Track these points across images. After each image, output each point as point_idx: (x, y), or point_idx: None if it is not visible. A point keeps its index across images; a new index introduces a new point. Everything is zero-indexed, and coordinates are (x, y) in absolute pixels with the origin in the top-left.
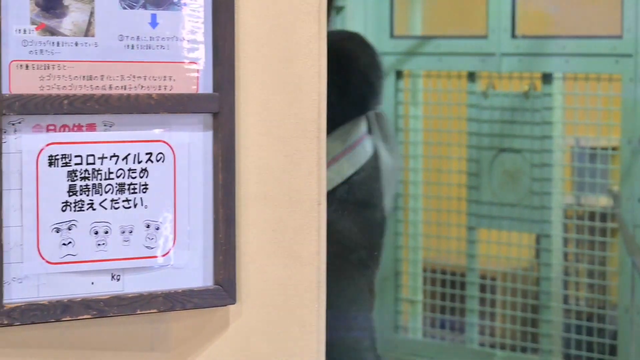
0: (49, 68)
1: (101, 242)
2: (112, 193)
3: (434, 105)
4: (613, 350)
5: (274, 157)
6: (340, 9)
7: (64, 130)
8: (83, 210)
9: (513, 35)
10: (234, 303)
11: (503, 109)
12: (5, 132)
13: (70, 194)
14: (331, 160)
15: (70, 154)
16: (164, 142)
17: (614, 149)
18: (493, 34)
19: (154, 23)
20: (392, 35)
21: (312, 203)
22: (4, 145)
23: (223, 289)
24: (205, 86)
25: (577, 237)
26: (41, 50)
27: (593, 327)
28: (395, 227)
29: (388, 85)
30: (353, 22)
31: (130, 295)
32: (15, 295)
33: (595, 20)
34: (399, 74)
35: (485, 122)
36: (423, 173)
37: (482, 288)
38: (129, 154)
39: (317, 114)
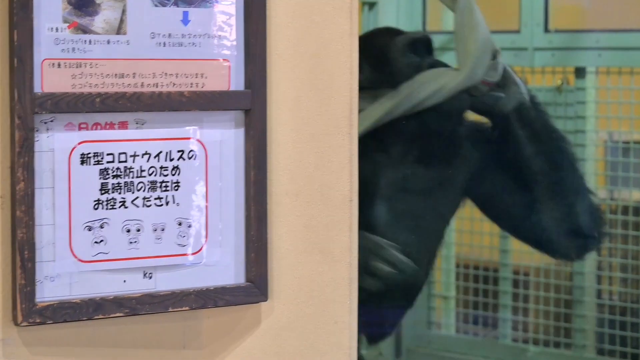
0: (81, 66)
1: (133, 240)
2: (144, 191)
3: None
4: (636, 344)
5: (306, 154)
6: (372, 5)
7: (96, 129)
8: (115, 209)
9: (546, 30)
10: (265, 300)
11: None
12: (37, 130)
13: (102, 192)
14: None
15: (102, 152)
16: (196, 139)
17: None
18: (526, 29)
19: (185, 20)
20: (424, 31)
21: (344, 199)
22: (36, 144)
23: (255, 286)
24: (237, 83)
25: (610, 231)
26: (73, 49)
27: (626, 321)
28: None
29: None
30: (385, 17)
31: (162, 293)
32: (48, 293)
33: (629, 13)
34: None
35: None
36: None
37: (515, 283)
38: (160, 152)
39: (348, 110)
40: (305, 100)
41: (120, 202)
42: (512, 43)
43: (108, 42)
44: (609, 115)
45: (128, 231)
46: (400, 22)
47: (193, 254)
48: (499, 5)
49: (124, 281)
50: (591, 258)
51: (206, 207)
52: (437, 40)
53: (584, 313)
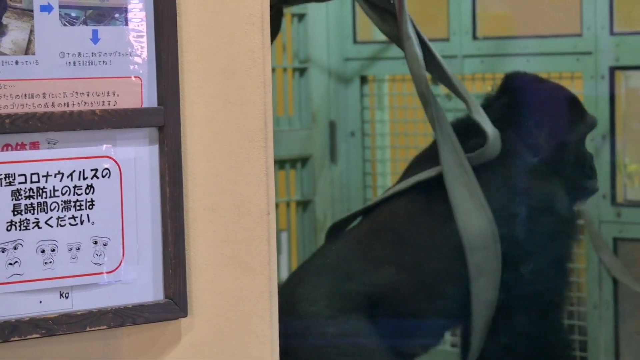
0: None
1: (48, 260)
2: (57, 211)
3: (399, 109)
4: (583, 347)
5: (222, 169)
6: (302, 16)
7: (6, 150)
8: (29, 229)
9: (474, 37)
10: (185, 316)
11: (467, 111)
12: None
13: (15, 213)
14: None
15: (14, 173)
16: (110, 157)
17: None
18: (454, 37)
19: (95, 39)
20: (355, 41)
21: (262, 213)
22: None
23: (174, 302)
24: (149, 100)
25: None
26: None
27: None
28: None
29: (353, 91)
30: (315, 29)
31: (79, 313)
32: None
33: (555, 19)
34: (363, 80)
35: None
36: (391, 177)
37: None
38: (74, 171)
39: (263, 123)
40: (219, 115)
41: (34, 222)
42: (442, 51)
43: (16, 62)
44: None
45: (43, 251)
46: (330, 33)
47: (110, 272)
48: (427, 14)
49: (40, 302)
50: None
51: (122, 224)
52: (367, 50)
53: None
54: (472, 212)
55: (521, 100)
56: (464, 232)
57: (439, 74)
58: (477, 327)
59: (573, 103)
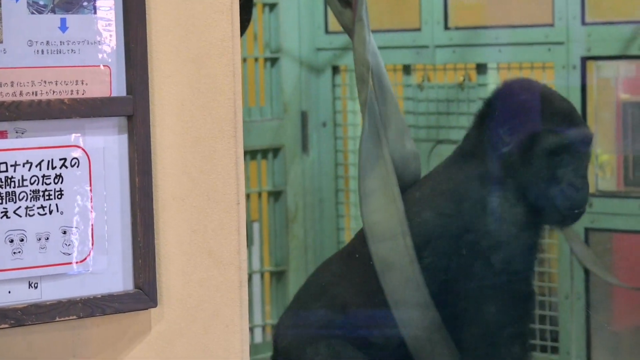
0: None
1: (17, 250)
2: (26, 200)
3: None
4: (554, 337)
5: (191, 158)
6: (273, 6)
7: None
8: None
9: (446, 27)
10: (155, 306)
11: (439, 101)
12: None
13: None
14: None
15: None
16: (79, 146)
17: None
18: (426, 27)
19: (63, 27)
20: (327, 31)
21: (232, 203)
22: None
23: (144, 292)
24: (118, 89)
25: None
26: None
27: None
28: (337, 222)
29: (325, 82)
30: (286, 18)
31: (48, 303)
32: None
33: (527, 9)
34: (335, 70)
35: (422, 115)
36: None
37: None
38: (42, 160)
39: (233, 113)
40: (188, 105)
41: (2, 212)
42: (414, 41)
43: None
44: None
45: (11, 241)
46: (302, 23)
47: (79, 262)
48: (399, 3)
49: (9, 292)
50: None
51: (91, 214)
52: (339, 40)
53: None
54: (380, 203)
55: (505, 106)
56: (366, 221)
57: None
58: (411, 332)
59: (567, 114)
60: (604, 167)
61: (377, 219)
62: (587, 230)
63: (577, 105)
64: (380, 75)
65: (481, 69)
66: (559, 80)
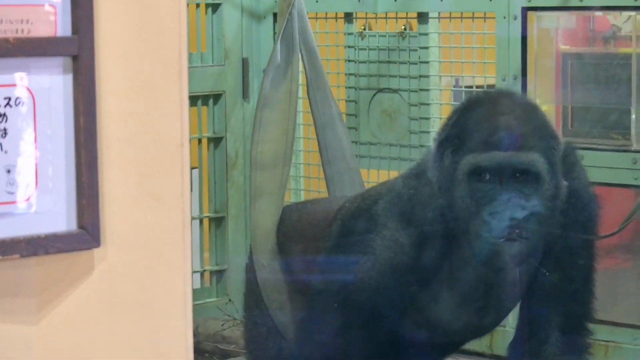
0: None
1: None
2: None
3: None
4: None
5: (136, 100)
6: None
7: None
8: None
9: None
10: (98, 246)
11: (380, 50)
12: None
13: None
14: None
15: None
16: (23, 86)
17: (490, 86)
18: None
19: None
20: None
21: (176, 145)
22: None
23: (87, 232)
24: (63, 29)
25: None
26: None
27: None
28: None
29: (266, 29)
30: None
31: None
32: None
33: None
34: (276, 17)
35: (363, 63)
36: (302, 115)
37: None
38: None
39: (178, 54)
40: (134, 45)
41: None
42: None
43: None
44: (452, 60)
45: None
46: None
47: (23, 201)
48: None
49: None
50: None
51: (35, 154)
52: None
53: None
54: (273, 134)
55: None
56: (254, 149)
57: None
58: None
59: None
60: None
61: (264, 149)
62: None
63: (518, 56)
64: (306, 37)
65: (422, 18)
66: (500, 30)
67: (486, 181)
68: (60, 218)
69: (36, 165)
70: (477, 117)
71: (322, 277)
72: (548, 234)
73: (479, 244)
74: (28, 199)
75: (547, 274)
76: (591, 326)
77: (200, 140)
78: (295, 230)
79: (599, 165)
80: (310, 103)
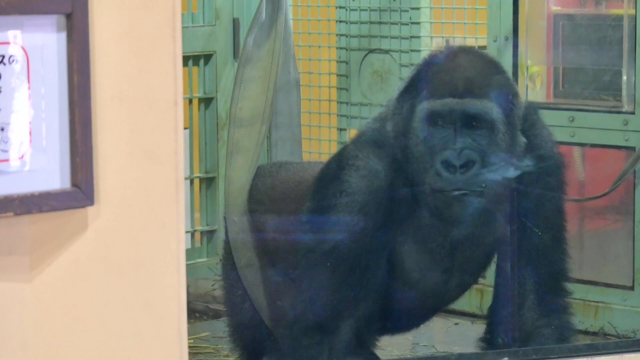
0: None
1: None
2: None
3: (303, 7)
4: None
5: (129, 58)
6: None
7: None
8: None
9: None
10: (92, 205)
11: (371, 10)
12: None
13: None
14: None
15: None
16: (17, 44)
17: (481, 47)
18: None
19: None
20: None
21: (169, 103)
22: None
23: (81, 190)
24: None
25: None
26: None
27: None
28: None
29: None
30: None
31: None
32: None
33: None
34: None
35: (354, 24)
36: None
37: None
38: None
39: (172, 13)
40: (127, 4)
41: None
42: None
43: None
44: (443, 21)
45: None
46: None
47: (17, 159)
48: None
49: None
50: None
51: (29, 112)
52: None
53: None
54: (254, 92)
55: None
56: (234, 105)
57: None
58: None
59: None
60: (534, 79)
61: (244, 106)
62: None
63: (509, 16)
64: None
65: None
66: None
67: (440, 127)
68: (53, 176)
69: (30, 123)
70: (437, 69)
71: (305, 235)
72: (510, 191)
73: (432, 197)
74: (22, 157)
75: (517, 233)
76: (568, 286)
77: (191, 101)
78: (268, 197)
79: (589, 127)
80: None
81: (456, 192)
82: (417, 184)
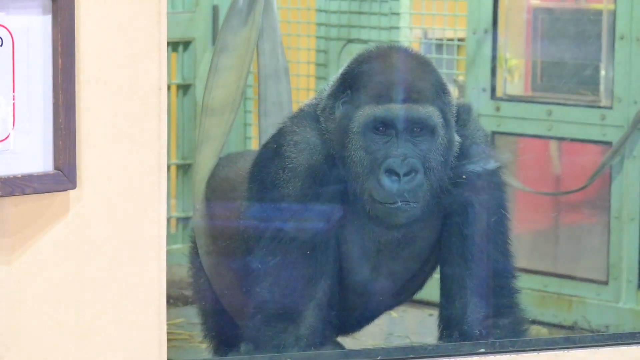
0: None
1: None
2: None
3: None
4: None
5: (114, 42)
6: None
7: None
8: None
9: None
10: (74, 188)
11: (351, 0)
12: None
13: None
14: None
15: None
16: (2, 26)
17: (460, 40)
18: None
19: None
20: None
21: (153, 88)
22: None
23: (63, 173)
24: None
25: None
26: None
27: None
28: (245, 118)
29: None
30: None
31: None
32: None
33: None
34: None
35: (334, 13)
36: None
37: None
38: None
39: None
40: None
41: None
42: None
43: None
44: (422, 12)
45: None
46: None
47: (0, 141)
48: None
49: None
50: None
51: (13, 94)
52: None
53: None
54: (227, 80)
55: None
56: (207, 94)
57: None
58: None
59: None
60: (512, 72)
61: (217, 95)
62: (493, 133)
63: (489, 9)
64: None
65: None
66: None
67: (381, 134)
68: (36, 159)
69: (13, 105)
70: (371, 70)
71: (254, 220)
72: (447, 193)
73: (372, 206)
74: (5, 139)
75: (454, 236)
76: (516, 284)
77: (169, 87)
78: (224, 185)
79: (567, 121)
80: (257, 51)
81: (398, 204)
82: (353, 188)
